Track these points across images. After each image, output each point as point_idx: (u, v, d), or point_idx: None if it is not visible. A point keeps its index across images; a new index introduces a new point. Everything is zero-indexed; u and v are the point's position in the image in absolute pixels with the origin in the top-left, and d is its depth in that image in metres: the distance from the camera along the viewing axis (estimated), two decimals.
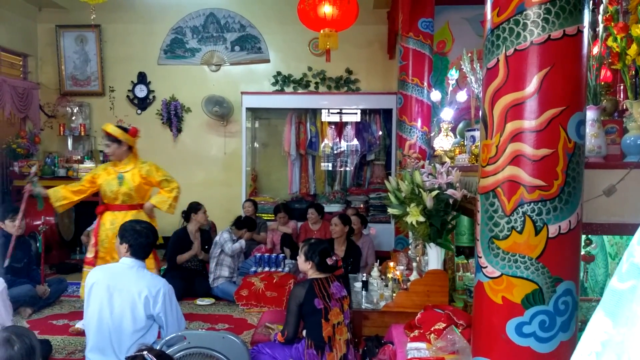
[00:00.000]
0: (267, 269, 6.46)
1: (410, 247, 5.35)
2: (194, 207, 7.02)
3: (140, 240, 3.65)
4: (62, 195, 5.21)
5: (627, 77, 2.90)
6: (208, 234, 7.36)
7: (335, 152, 9.16)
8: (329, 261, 3.95)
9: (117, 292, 3.51)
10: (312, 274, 3.99)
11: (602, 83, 3.10)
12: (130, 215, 5.14)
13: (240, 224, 6.87)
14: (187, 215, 7.06)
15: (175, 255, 6.78)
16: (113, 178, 5.22)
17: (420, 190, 3.89)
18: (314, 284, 3.86)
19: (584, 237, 3.05)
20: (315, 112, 9.05)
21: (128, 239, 3.65)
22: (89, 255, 5.23)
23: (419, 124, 6.69)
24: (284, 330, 3.92)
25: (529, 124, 2.21)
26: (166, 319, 3.54)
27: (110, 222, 5.19)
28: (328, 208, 8.30)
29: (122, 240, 3.68)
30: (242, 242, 6.72)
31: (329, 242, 5.97)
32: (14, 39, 8.85)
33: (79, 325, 5.18)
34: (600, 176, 2.53)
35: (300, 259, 4.05)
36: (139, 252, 3.66)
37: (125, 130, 5.31)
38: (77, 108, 9.28)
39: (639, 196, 2.51)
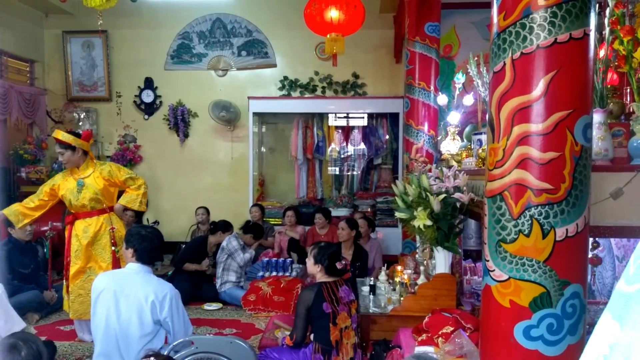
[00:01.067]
0: (274, 273, 6.47)
1: (417, 250, 5.34)
2: (225, 227, 7.07)
3: (145, 245, 3.65)
4: (22, 213, 5.06)
5: (634, 79, 2.90)
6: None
7: (342, 156, 9.15)
8: (339, 265, 3.94)
9: (124, 297, 3.51)
10: (321, 277, 3.98)
11: (609, 86, 3.09)
12: (102, 220, 5.04)
13: (247, 229, 6.87)
14: (214, 228, 7.07)
15: (186, 260, 6.81)
16: (74, 186, 5.01)
17: (428, 194, 3.89)
18: (322, 288, 3.85)
19: (591, 239, 3.04)
20: (322, 117, 9.06)
21: (133, 243, 3.65)
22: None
23: (425, 127, 6.69)
24: (293, 333, 3.92)
25: (536, 127, 2.21)
26: (173, 324, 3.54)
27: (83, 231, 5.00)
28: (335, 212, 8.29)
29: (127, 245, 3.69)
30: (252, 252, 6.73)
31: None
32: (21, 45, 8.90)
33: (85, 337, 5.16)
34: (607, 179, 2.53)
35: (310, 261, 4.04)
36: (145, 257, 3.67)
37: (77, 135, 5.10)
38: (84, 114, 9.32)
39: None
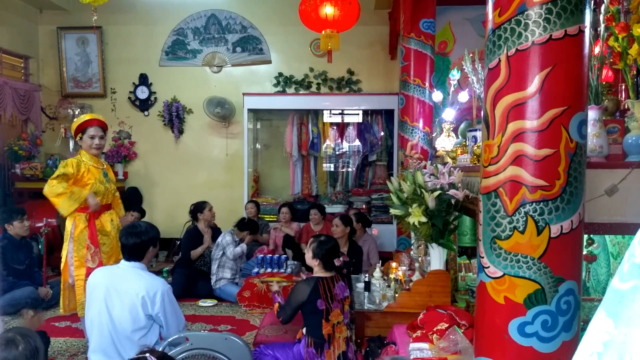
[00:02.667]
0: (269, 270, 6.46)
1: (412, 247, 5.35)
2: (200, 206, 7.12)
3: (122, 241, 3.67)
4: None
5: (629, 76, 2.90)
6: (219, 230, 7.36)
7: (337, 153, 9.15)
8: (337, 262, 3.95)
9: (116, 293, 3.52)
10: (318, 271, 3.99)
11: (604, 83, 3.10)
12: (115, 214, 5.00)
13: (242, 225, 6.88)
14: (194, 214, 7.11)
15: (189, 250, 6.82)
16: (100, 176, 4.83)
17: (422, 190, 3.89)
18: (319, 284, 3.85)
19: (585, 236, 3.05)
20: (317, 113, 9.04)
21: (123, 240, 3.68)
22: (92, 265, 4.67)
23: (420, 124, 6.69)
24: (280, 314, 3.99)
25: (531, 124, 2.21)
26: (165, 319, 3.55)
27: (110, 222, 4.89)
28: (330, 209, 8.30)
29: (120, 241, 3.72)
30: (244, 246, 6.73)
31: None
32: (15, 40, 8.86)
33: None
34: (602, 176, 2.53)
35: (308, 254, 4.04)
36: (125, 253, 3.67)
37: None
38: (79, 110, 9.24)
39: None
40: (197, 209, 7.10)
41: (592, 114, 2.64)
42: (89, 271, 4.62)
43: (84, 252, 4.70)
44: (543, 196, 2.22)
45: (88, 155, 4.82)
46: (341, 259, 3.99)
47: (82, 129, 4.78)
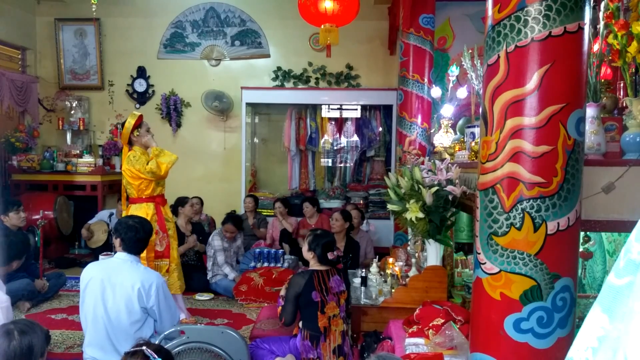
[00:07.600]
0: (266, 264, 6.46)
1: (409, 243, 5.35)
2: (181, 201, 7.08)
3: (130, 234, 3.68)
4: None
5: (627, 74, 2.90)
6: (200, 226, 7.34)
7: (335, 148, 9.13)
8: (330, 256, 3.96)
9: (111, 286, 3.53)
10: (314, 264, 4.01)
11: (602, 80, 3.10)
12: None
13: (225, 219, 6.87)
14: (174, 209, 7.05)
15: None
16: None
17: (420, 186, 3.89)
18: (313, 276, 3.87)
19: (582, 233, 3.05)
20: (315, 108, 9.03)
21: (120, 233, 3.70)
22: (160, 248, 5.17)
23: (419, 120, 6.69)
24: (282, 316, 3.97)
25: (529, 121, 2.22)
26: (160, 312, 3.56)
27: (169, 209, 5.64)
28: (327, 204, 8.30)
29: (115, 234, 3.74)
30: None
31: None
32: (13, 32, 8.82)
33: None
34: (599, 173, 2.53)
35: (304, 247, 4.07)
36: (130, 246, 3.68)
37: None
38: (76, 102, 9.24)
39: (637, 193, 2.52)
40: (179, 203, 7.07)
41: (591, 111, 2.64)
42: (157, 254, 5.15)
43: (153, 237, 4.97)
44: (540, 193, 2.22)
45: (142, 150, 5.26)
46: (335, 252, 4.00)
47: (137, 124, 5.20)
